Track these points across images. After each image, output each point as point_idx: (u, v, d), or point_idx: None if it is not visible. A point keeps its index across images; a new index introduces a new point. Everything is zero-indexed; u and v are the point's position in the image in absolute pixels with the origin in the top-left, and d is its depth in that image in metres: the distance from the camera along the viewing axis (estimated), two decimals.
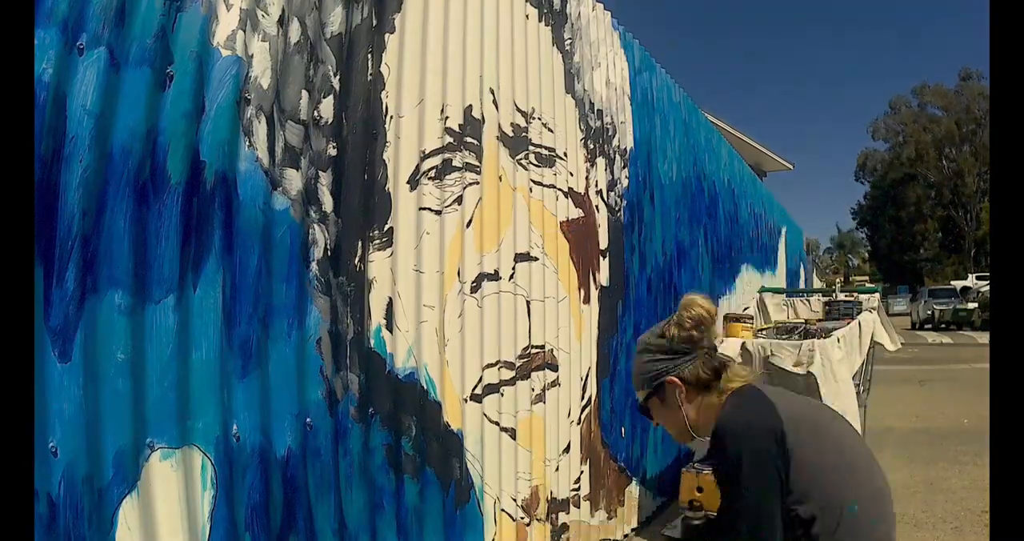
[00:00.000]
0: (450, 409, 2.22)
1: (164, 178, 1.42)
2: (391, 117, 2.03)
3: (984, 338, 15.09)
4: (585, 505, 3.06)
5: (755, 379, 1.60)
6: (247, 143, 1.60)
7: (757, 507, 1.39)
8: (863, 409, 4.13)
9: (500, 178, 2.51)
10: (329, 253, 1.81)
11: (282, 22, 1.69)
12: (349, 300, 1.86)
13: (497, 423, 2.44)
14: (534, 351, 2.67)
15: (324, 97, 1.81)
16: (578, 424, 3.01)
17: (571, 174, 3.01)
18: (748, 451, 1.40)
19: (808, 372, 3.21)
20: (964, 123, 37.03)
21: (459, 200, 2.28)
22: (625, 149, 3.60)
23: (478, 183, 2.37)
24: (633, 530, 3.59)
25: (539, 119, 2.77)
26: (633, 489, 3.60)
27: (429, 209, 2.16)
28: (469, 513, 2.28)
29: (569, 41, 3.05)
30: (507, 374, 2.49)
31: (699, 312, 1.53)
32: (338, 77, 1.86)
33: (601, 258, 3.30)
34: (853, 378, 3.61)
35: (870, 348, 3.92)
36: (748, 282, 6.65)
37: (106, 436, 1.30)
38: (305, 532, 1.71)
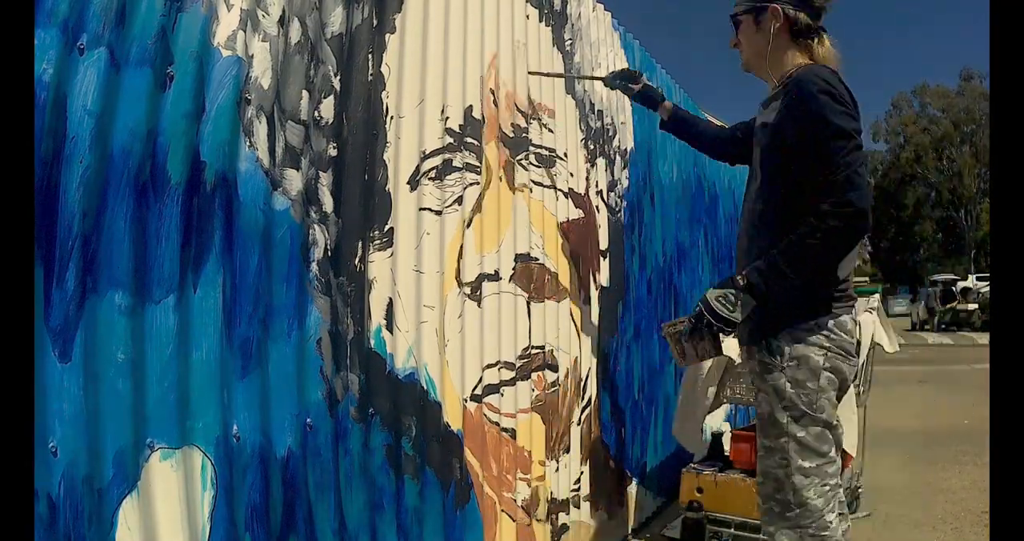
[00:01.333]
0: (450, 409, 2.22)
1: (164, 178, 1.42)
2: (391, 117, 2.04)
3: (984, 338, 15.09)
4: (585, 505, 3.06)
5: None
6: (247, 143, 1.60)
7: (853, 150, 1.54)
8: (863, 409, 4.13)
9: (500, 178, 2.51)
10: (329, 253, 1.81)
11: (282, 22, 1.69)
12: (349, 300, 1.86)
13: (497, 423, 2.44)
14: (534, 351, 2.67)
15: (325, 97, 1.82)
16: (578, 424, 3.01)
17: (571, 175, 3.01)
18: (843, 101, 1.55)
19: None
20: (964, 124, 37.03)
21: (459, 200, 2.28)
22: (625, 150, 3.60)
23: (478, 183, 2.37)
24: (633, 530, 3.59)
25: (539, 120, 2.77)
26: (633, 489, 3.60)
27: (429, 209, 2.16)
28: (469, 513, 2.28)
29: (569, 41, 3.05)
30: (507, 374, 2.49)
31: None
32: (339, 77, 1.86)
33: (601, 258, 3.30)
34: (853, 379, 3.60)
35: (870, 349, 3.91)
36: None
37: (106, 436, 1.30)
38: (305, 532, 1.71)
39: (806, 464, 1.81)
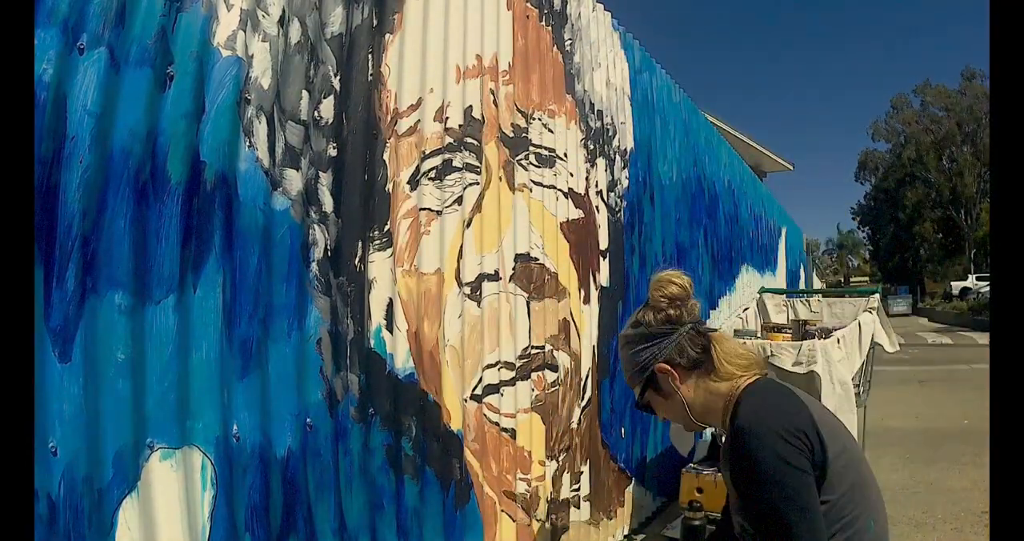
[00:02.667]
0: (450, 409, 2.22)
1: (164, 178, 1.42)
2: (391, 117, 2.04)
3: (984, 338, 15.09)
4: (585, 505, 3.06)
5: (757, 364, 1.47)
6: (247, 143, 1.60)
7: (804, 514, 1.24)
8: (863, 409, 4.13)
9: (500, 178, 2.51)
10: (329, 253, 1.81)
11: (282, 22, 1.69)
12: (349, 300, 1.86)
13: (497, 423, 2.44)
14: (534, 351, 2.67)
15: (324, 97, 1.82)
16: (578, 424, 3.01)
17: (571, 175, 3.01)
18: (783, 453, 1.25)
19: (810, 371, 3.21)
20: (965, 123, 37.02)
21: (459, 200, 2.28)
22: (625, 150, 3.61)
23: (478, 183, 2.37)
24: (633, 530, 3.59)
25: (539, 119, 2.77)
26: (633, 489, 3.59)
27: (429, 209, 2.16)
28: (469, 513, 2.28)
29: (569, 42, 3.05)
30: (507, 374, 2.49)
31: (671, 290, 1.44)
32: (338, 77, 1.86)
33: (601, 258, 3.30)
34: (852, 379, 3.61)
35: (870, 349, 3.91)
36: (748, 283, 6.65)
37: (106, 436, 1.30)
38: (305, 532, 1.71)
39: None
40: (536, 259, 2.70)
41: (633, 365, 1.49)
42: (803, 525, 1.26)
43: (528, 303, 2.63)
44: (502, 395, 2.46)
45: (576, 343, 3.01)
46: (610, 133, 3.44)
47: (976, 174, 36.42)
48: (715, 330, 1.51)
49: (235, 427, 1.55)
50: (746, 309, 4.80)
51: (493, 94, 2.48)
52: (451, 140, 2.26)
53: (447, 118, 2.24)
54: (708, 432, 3.80)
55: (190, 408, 1.45)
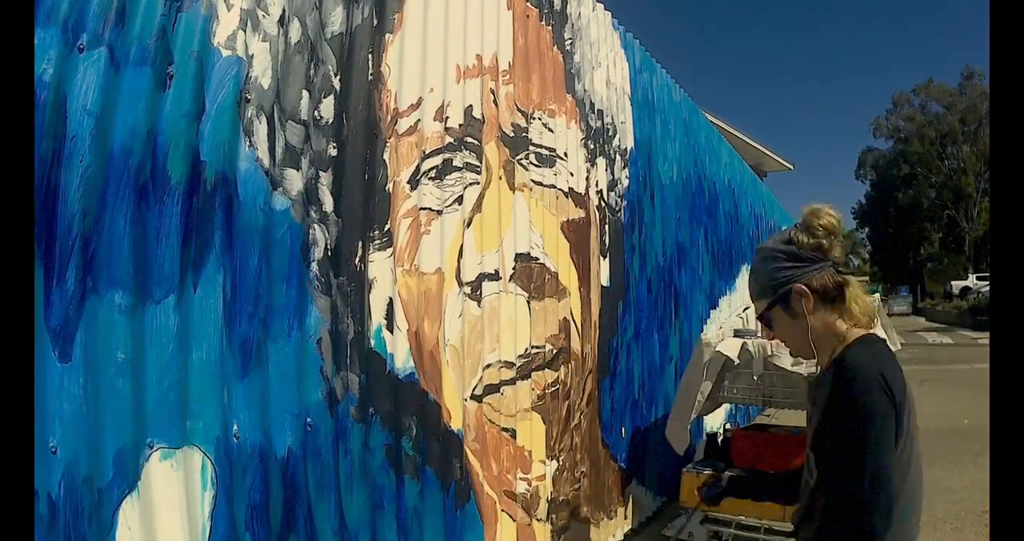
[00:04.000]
0: (450, 409, 2.22)
1: (164, 178, 1.42)
2: (391, 117, 2.03)
3: (984, 338, 15.08)
4: (585, 505, 3.06)
5: (872, 318, 1.53)
6: (247, 143, 1.60)
7: (879, 461, 1.32)
8: None
9: (500, 178, 2.51)
10: (329, 253, 1.81)
11: (282, 22, 1.69)
12: (349, 300, 1.86)
13: (497, 423, 2.44)
14: (534, 351, 2.67)
15: (324, 97, 1.81)
16: (578, 424, 3.01)
17: (571, 174, 3.01)
18: (882, 404, 1.33)
19: (812, 372, 3.21)
20: (966, 122, 37.01)
21: (459, 200, 2.28)
22: (625, 149, 3.60)
23: (478, 183, 2.37)
24: (633, 530, 3.59)
25: (539, 119, 2.77)
26: (633, 489, 3.60)
27: (429, 209, 2.16)
28: (469, 513, 2.28)
29: (570, 41, 3.05)
30: (507, 374, 2.49)
31: (828, 221, 1.46)
32: (338, 77, 1.86)
33: (601, 258, 3.30)
34: None
35: None
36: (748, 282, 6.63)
37: (106, 436, 1.30)
38: (305, 532, 1.71)
39: None
40: (536, 259, 2.70)
41: (770, 279, 1.51)
42: (872, 466, 1.33)
43: (528, 303, 2.63)
44: (502, 395, 2.46)
45: (576, 343, 3.01)
46: (610, 132, 3.43)
47: (976, 173, 36.42)
48: (850, 274, 1.54)
49: (235, 427, 1.55)
50: (746, 308, 4.80)
51: (493, 93, 2.48)
52: (451, 140, 2.25)
53: (447, 117, 2.24)
54: (706, 432, 3.80)
55: (190, 408, 1.45)
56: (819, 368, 1.54)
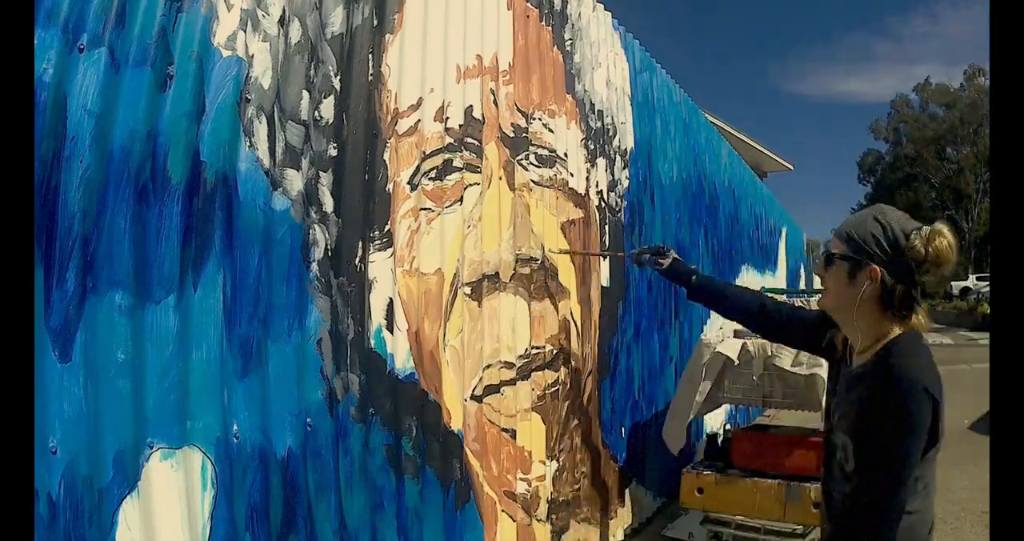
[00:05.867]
0: (450, 409, 2.22)
1: (164, 178, 1.42)
2: (392, 117, 2.03)
3: (984, 338, 15.08)
4: (585, 505, 3.06)
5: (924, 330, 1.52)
6: (247, 143, 1.60)
7: (900, 473, 1.38)
8: None
9: (500, 178, 2.51)
10: (329, 253, 1.81)
11: (283, 22, 1.69)
12: (349, 300, 1.86)
13: (497, 423, 2.44)
14: (534, 351, 2.67)
15: (325, 97, 1.81)
16: (578, 424, 3.01)
17: (571, 174, 3.01)
18: (923, 412, 1.39)
19: (812, 374, 3.20)
20: (966, 123, 36.98)
21: (459, 200, 2.28)
22: (625, 149, 3.60)
23: (478, 183, 2.37)
24: (633, 530, 3.59)
25: (539, 119, 2.77)
26: (633, 489, 3.60)
27: (429, 209, 2.16)
28: (469, 513, 2.28)
29: (570, 41, 3.05)
30: (507, 374, 2.49)
31: (945, 247, 1.40)
32: (339, 77, 1.86)
33: (601, 258, 3.30)
34: None
35: None
36: (748, 282, 6.64)
37: (106, 436, 1.30)
38: (305, 532, 1.71)
39: None
40: (536, 259, 2.70)
41: (865, 239, 1.46)
42: (897, 467, 1.40)
43: (528, 303, 2.63)
44: (502, 395, 2.46)
45: (576, 343, 3.01)
46: (610, 133, 3.43)
47: (976, 174, 36.41)
48: (919, 304, 1.52)
49: (235, 427, 1.55)
50: None
51: (493, 94, 2.48)
52: (451, 140, 2.25)
53: (447, 118, 2.24)
54: (706, 432, 3.80)
55: (190, 408, 1.45)
56: (859, 343, 1.52)
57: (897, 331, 1.46)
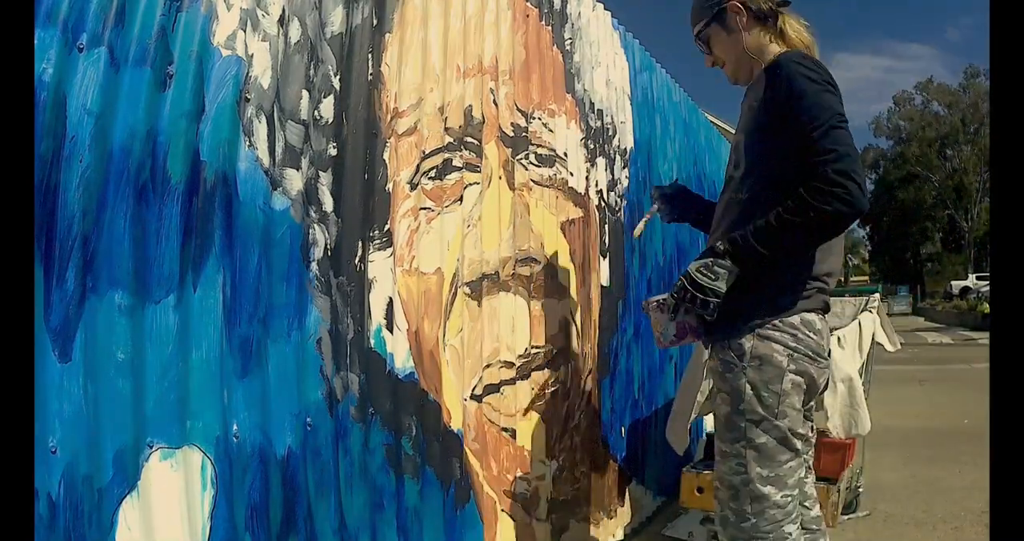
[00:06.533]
0: (450, 409, 2.22)
1: (164, 178, 1.42)
2: (391, 116, 2.04)
3: (984, 338, 15.09)
4: (585, 505, 3.06)
5: (812, 47, 1.71)
6: (247, 143, 1.60)
7: (841, 126, 1.51)
8: None
9: (500, 178, 2.51)
10: (329, 253, 1.81)
11: (282, 22, 1.69)
12: (349, 300, 1.86)
13: (497, 423, 2.44)
14: (534, 351, 2.67)
15: (324, 97, 1.82)
16: (578, 424, 3.01)
17: (571, 174, 3.01)
18: (827, 82, 1.52)
19: None
20: (967, 122, 36.97)
21: (459, 200, 2.28)
22: (625, 149, 3.60)
23: (478, 183, 2.37)
24: (633, 529, 3.59)
25: (539, 119, 2.77)
26: (633, 489, 3.60)
27: (429, 209, 2.16)
28: (469, 513, 2.29)
29: (569, 41, 3.05)
30: (507, 374, 2.49)
31: None
32: (338, 77, 1.86)
33: (601, 258, 3.30)
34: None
35: (871, 348, 3.91)
36: None
37: (106, 436, 1.30)
38: (305, 532, 1.71)
39: (764, 472, 1.66)
40: (536, 259, 2.70)
41: (701, 4, 1.70)
42: (841, 129, 1.53)
43: (528, 303, 2.63)
44: (502, 395, 2.46)
45: (576, 343, 3.01)
46: (610, 132, 3.43)
47: (977, 173, 36.41)
48: (786, 3, 1.74)
49: (235, 427, 1.55)
50: None
51: (493, 93, 2.48)
52: (451, 139, 2.26)
53: (447, 117, 2.24)
54: (706, 432, 3.80)
55: (190, 408, 1.45)
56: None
57: (779, 50, 1.65)
